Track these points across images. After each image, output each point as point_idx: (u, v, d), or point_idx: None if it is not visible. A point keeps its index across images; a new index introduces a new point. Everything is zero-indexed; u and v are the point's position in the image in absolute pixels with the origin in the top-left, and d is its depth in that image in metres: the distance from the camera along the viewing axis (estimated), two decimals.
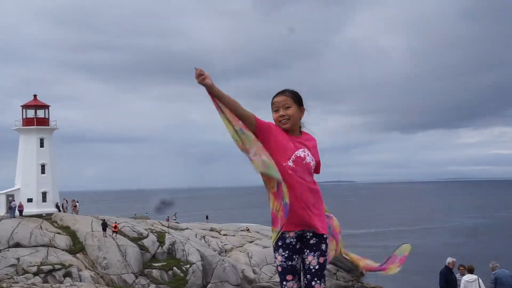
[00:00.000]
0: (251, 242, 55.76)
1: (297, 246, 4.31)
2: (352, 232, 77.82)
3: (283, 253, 4.30)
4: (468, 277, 14.79)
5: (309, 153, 4.34)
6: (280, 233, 4.24)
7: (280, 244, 4.30)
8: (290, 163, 4.23)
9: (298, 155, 4.28)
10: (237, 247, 54.18)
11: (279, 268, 4.34)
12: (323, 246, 4.30)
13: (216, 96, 4.11)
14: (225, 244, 54.58)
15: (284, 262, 4.31)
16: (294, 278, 4.31)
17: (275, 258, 4.39)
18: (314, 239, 4.29)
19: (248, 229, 61.35)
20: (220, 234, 58.94)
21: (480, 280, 14.71)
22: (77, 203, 60.06)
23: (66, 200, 58.98)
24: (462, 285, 14.87)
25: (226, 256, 49.62)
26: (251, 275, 47.74)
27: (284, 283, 4.32)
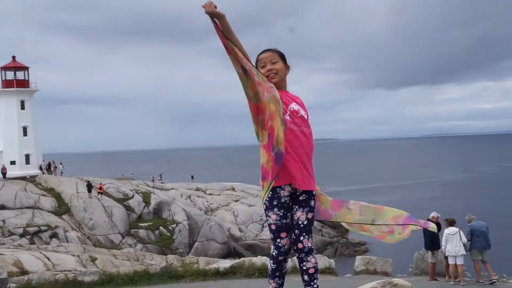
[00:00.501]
0: (236, 201, 56.08)
1: (290, 204, 4.37)
2: (340, 189, 78.54)
3: (278, 212, 4.34)
4: (449, 230, 15.01)
5: (301, 108, 4.40)
6: (271, 185, 4.25)
7: (275, 203, 4.32)
8: (287, 117, 4.28)
9: (292, 108, 4.35)
10: (222, 206, 54.50)
11: (273, 227, 4.37)
12: (312, 203, 4.38)
13: (225, 30, 4.11)
14: (210, 204, 54.86)
15: (279, 220, 4.35)
16: (288, 235, 4.38)
17: (268, 216, 4.40)
18: (303, 195, 4.35)
19: (234, 188, 61.62)
20: (206, 193, 59.16)
21: (462, 233, 14.94)
22: (60, 164, 59.79)
23: (53, 162, 58.64)
24: (443, 238, 15.11)
25: (212, 215, 49.93)
26: (237, 233, 48.16)
27: (278, 240, 4.38)
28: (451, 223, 15.20)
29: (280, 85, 4.44)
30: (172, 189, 56.94)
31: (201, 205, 53.08)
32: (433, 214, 15.94)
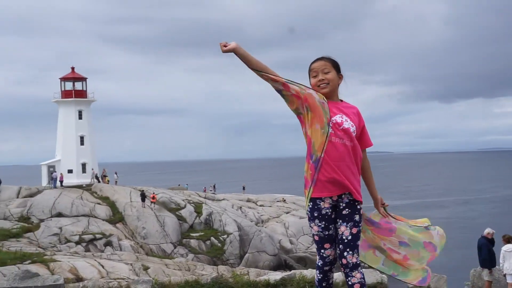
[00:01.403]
0: (287, 212, 55.91)
1: (333, 216, 4.35)
2: (396, 203, 77.21)
3: (320, 224, 4.34)
4: (506, 247, 14.54)
5: (348, 119, 4.31)
6: (310, 193, 4.29)
7: (316, 215, 4.33)
8: (330, 129, 4.25)
9: (335, 120, 4.27)
10: (273, 217, 54.41)
11: (316, 237, 4.40)
12: (357, 217, 4.32)
13: (242, 57, 4.28)
14: (261, 215, 54.86)
15: (321, 232, 4.36)
16: (332, 246, 4.39)
17: (311, 227, 4.44)
18: (347, 209, 4.30)
19: (285, 200, 61.48)
20: (257, 204, 59.22)
21: None
22: (115, 174, 61.03)
23: (104, 170, 59.85)
24: (501, 255, 14.65)
25: (262, 226, 49.91)
26: (288, 245, 47.96)
27: (322, 251, 4.41)
28: (509, 240, 14.72)
29: (331, 95, 4.38)
30: (223, 199, 57.26)
31: (252, 216, 53.15)
32: (488, 230, 15.48)
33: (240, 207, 55.35)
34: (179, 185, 77.91)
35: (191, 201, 50.06)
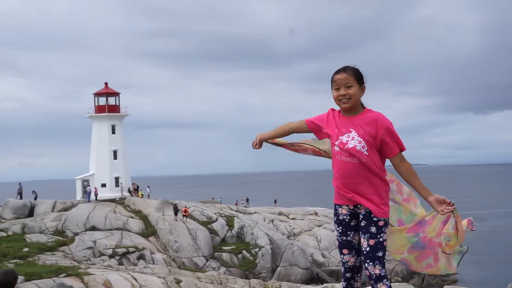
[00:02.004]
0: (319, 226, 55.57)
1: (352, 223, 4.46)
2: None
3: (338, 229, 4.52)
4: None
5: (356, 135, 4.32)
6: (335, 206, 4.53)
7: (335, 219, 4.53)
8: (336, 148, 4.40)
9: (341, 140, 4.37)
10: (305, 231, 54.13)
11: (337, 242, 4.59)
12: (372, 229, 4.33)
13: (271, 140, 4.89)
14: (293, 228, 54.63)
15: (339, 237, 4.53)
16: (350, 252, 4.49)
17: (335, 231, 4.66)
18: (363, 221, 4.37)
19: (317, 213, 61.12)
20: (288, 218, 59.01)
21: None
22: (148, 188, 61.51)
23: (133, 184, 60.12)
24: None
25: (294, 240, 49.67)
26: (320, 258, 47.62)
27: (342, 256, 4.55)
28: None
29: (352, 109, 4.39)
30: (255, 213, 57.21)
31: (284, 229, 52.96)
32: None
33: (272, 220, 55.21)
34: (213, 198, 78.14)
35: (222, 215, 50.16)
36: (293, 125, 4.74)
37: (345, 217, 4.46)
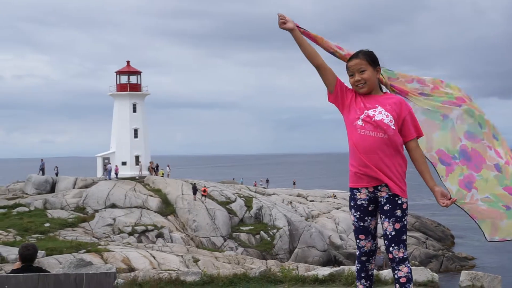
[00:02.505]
0: (338, 208, 55.56)
1: (370, 208, 4.40)
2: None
3: (355, 214, 4.44)
4: None
5: (383, 110, 4.29)
6: (352, 191, 4.43)
7: (352, 204, 4.45)
8: (360, 122, 4.30)
9: (367, 113, 4.30)
10: (324, 213, 54.17)
11: (353, 227, 4.52)
12: (398, 212, 4.29)
13: (296, 40, 4.43)
14: (311, 210, 54.70)
15: (356, 222, 4.45)
16: (367, 237, 4.46)
17: (351, 215, 4.58)
18: (387, 205, 4.30)
19: (335, 196, 61.09)
20: (307, 200, 59.07)
21: None
22: (168, 167, 61.86)
23: (156, 164, 60.39)
24: None
25: (312, 222, 49.76)
26: (337, 241, 47.68)
27: (358, 241, 4.51)
28: None
29: (371, 92, 4.40)
30: (273, 194, 57.35)
31: (302, 211, 53.05)
32: None
33: (290, 202, 55.33)
34: (233, 179, 78.44)
35: (241, 195, 50.37)
36: (323, 63, 4.45)
37: (363, 202, 4.38)
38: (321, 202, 58.39)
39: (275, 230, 44.45)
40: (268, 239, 43.82)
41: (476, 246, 49.56)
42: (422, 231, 52.12)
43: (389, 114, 4.28)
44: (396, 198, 4.29)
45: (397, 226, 4.29)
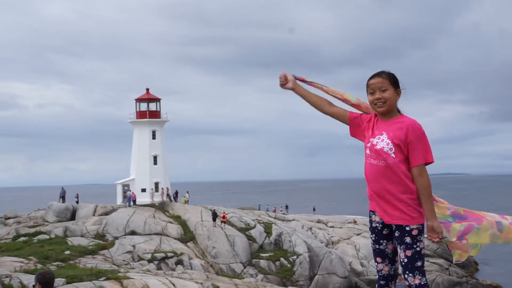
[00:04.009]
0: (358, 234, 54.97)
1: (384, 232, 4.37)
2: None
3: (371, 236, 4.45)
4: None
5: (385, 137, 4.24)
6: (369, 213, 4.46)
7: (369, 226, 4.49)
8: (368, 151, 4.33)
9: (372, 142, 4.31)
10: (344, 239, 53.62)
11: (371, 249, 4.52)
12: (407, 239, 4.21)
13: (300, 96, 4.64)
14: (332, 236, 54.19)
15: (373, 244, 4.45)
16: (384, 261, 4.43)
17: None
18: (397, 232, 4.27)
19: (356, 222, 60.51)
20: (327, 226, 58.58)
21: None
22: (187, 193, 61.83)
23: (167, 188, 60.02)
24: None
25: (333, 248, 49.24)
26: (358, 267, 47.06)
27: (376, 264, 4.51)
28: None
29: (388, 113, 4.33)
30: (293, 220, 56.97)
31: (322, 237, 52.57)
32: None
33: (310, 228, 54.88)
34: (259, 206, 77.90)
35: (261, 221, 50.09)
36: (334, 110, 4.56)
37: (377, 224, 4.39)
38: (341, 228, 57.85)
39: (295, 257, 44.02)
40: (288, 265, 43.40)
41: (501, 274, 48.57)
42: (445, 257, 51.25)
43: (389, 142, 4.21)
44: (404, 225, 4.22)
45: (408, 253, 4.21)
